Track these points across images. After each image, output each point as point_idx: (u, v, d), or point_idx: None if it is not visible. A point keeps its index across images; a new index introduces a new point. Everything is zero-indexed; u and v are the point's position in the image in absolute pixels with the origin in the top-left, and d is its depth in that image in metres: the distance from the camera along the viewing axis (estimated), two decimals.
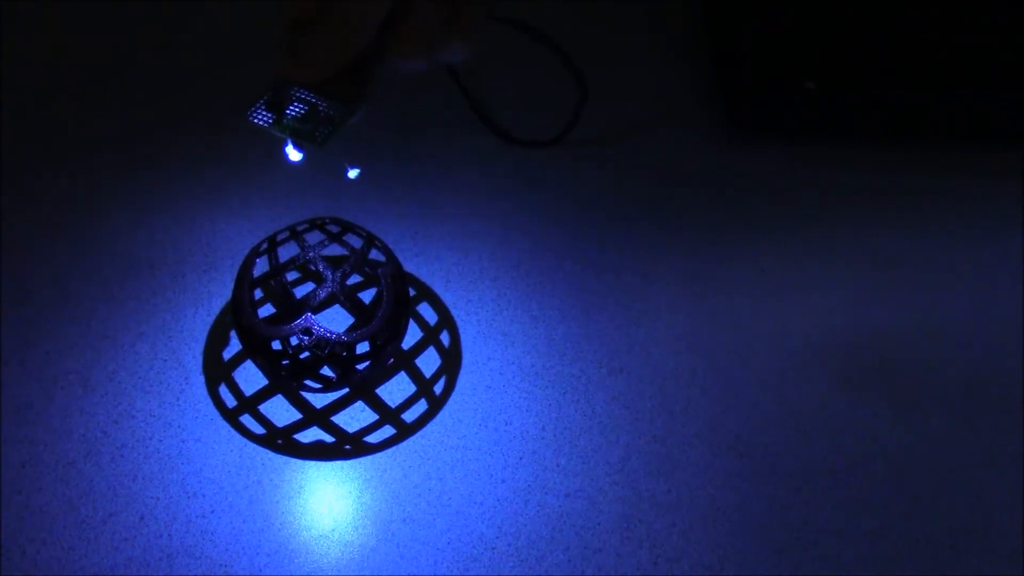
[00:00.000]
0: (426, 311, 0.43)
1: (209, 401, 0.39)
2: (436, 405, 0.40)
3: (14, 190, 0.46)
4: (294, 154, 0.35)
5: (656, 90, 0.53)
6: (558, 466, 0.39)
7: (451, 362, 0.41)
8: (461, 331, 0.42)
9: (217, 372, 0.40)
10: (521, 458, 0.39)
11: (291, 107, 0.33)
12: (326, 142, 0.33)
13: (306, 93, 0.34)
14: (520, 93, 0.52)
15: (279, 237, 0.40)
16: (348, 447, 0.39)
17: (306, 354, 0.37)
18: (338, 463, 0.38)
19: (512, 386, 0.41)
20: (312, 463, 0.38)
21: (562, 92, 0.50)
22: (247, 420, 0.39)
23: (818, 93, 0.49)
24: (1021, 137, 0.52)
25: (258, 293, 0.42)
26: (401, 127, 0.50)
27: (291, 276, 0.43)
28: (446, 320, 0.43)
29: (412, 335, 0.42)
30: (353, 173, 0.38)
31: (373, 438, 0.39)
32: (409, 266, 0.44)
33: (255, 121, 0.33)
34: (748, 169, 0.50)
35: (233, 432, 0.39)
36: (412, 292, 0.43)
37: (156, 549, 0.35)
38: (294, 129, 0.33)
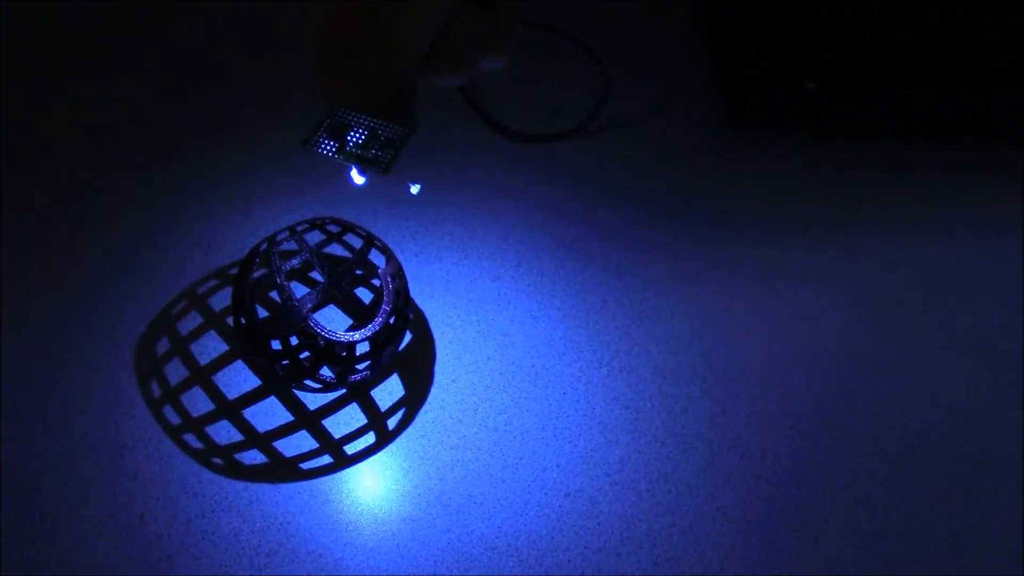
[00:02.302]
0: (426, 311, 0.43)
1: (208, 401, 0.39)
2: (435, 405, 0.40)
3: (14, 190, 0.46)
4: (358, 179, 0.35)
5: (656, 90, 0.53)
6: (558, 466, 0.39)
7: (450, 363, 0.41)
8: (461, 331, 0.42)
9: (217, 372, 0.40)
10: (521, 458, 0.39)
11: (351, 133, 0.34)
12: (391, 166, 0.33)
13: (364, 117, 0.34)
14: (524, 90, 0.52)
15: (279, 237, 0.40)
16: (344, 450, 0.39)
17: (306, 354, 0.37)
18: (338, 462, 0.38)
19: (512, 386, 0.41)
20: (311, 463, 0.38)
21: (565, 89, 0.50)
22: (236, 423, 0.39)
23: (818, 93, 0.49)
24: (1021, 137, 0.52)
25: (258, 293, 0.42)
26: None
27: (291, 276, 0.43)
28: (446, 320, 0.43)
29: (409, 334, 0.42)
30: (415, 189, 0.39)
31: (367, 441, 0.39)
32: (409, 266, 0.44)
33: (321, 151, 0.33)
34: (748, 169, 0.50)
35: (233, 431, 0.39)
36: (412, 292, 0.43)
37: (156, 549, 0.35)
38: (359, 156, 0.33)
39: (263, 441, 0.38)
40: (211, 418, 0.39)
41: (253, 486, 0.37)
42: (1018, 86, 0.50)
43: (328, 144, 0.34)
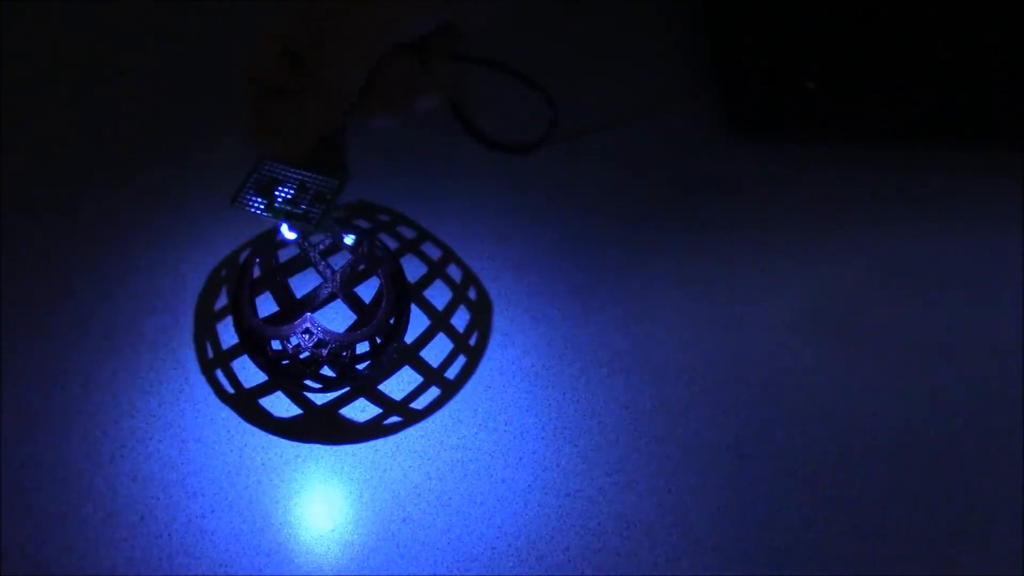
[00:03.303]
0: (426, 311, 0.43)
1: (209, 401, 0.39)
2: (436, 404, 0.40)
3: (14, 190, 0.46)
4: (289, 234, 0.34)
5: (656, 90, 0.53)
6: (558, 466, 0.39)
7: (449, 362, 0.41)
8: (460, 331, 0.42)
9: (217, 372, 0.40)
10: (521, 458, 0.39)
11: (280, 189, 0.33)
12: (322, 221, 0.32)
13: (292, 170, 0.33)
14: (509, 95, 0.52)
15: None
16: (353, 437, 0.39)
17: (306, 354, 0.37)
18: (338, 462, 0.38)
19: (512, 386, 0.41)
20: (312, 463, 0.38)
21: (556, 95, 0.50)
22: (248, 412, 0.39)
23: (818, 93, 0.49)
24: (1021, 137, 0.52)
25: (258, 293, 0.42)
26: (399, 128, 0.50)
27: (291, 275, 0.43)
28: (446, 320, 0.43)
29: (413, 335, 0.42)
30: (349, 239, 0.38)
31: (375, 428, 0.39)
32: (409, 266, 0.44)
33: (248, 209, 0.32)
34: (748, 169, 0.50)
35: (233, 432, 0.39)
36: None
37: (156, 549, 0.35)
38: (288, 213, 0.32)
39: (264, 441, 0.38)
40: (212, 418, 0.39)
41: (254, 485, 0.37)
42: (1018, 86, 0.50)
43: (256, 201, 0.32)
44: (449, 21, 0.32)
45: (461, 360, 0.41)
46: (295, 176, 0.33)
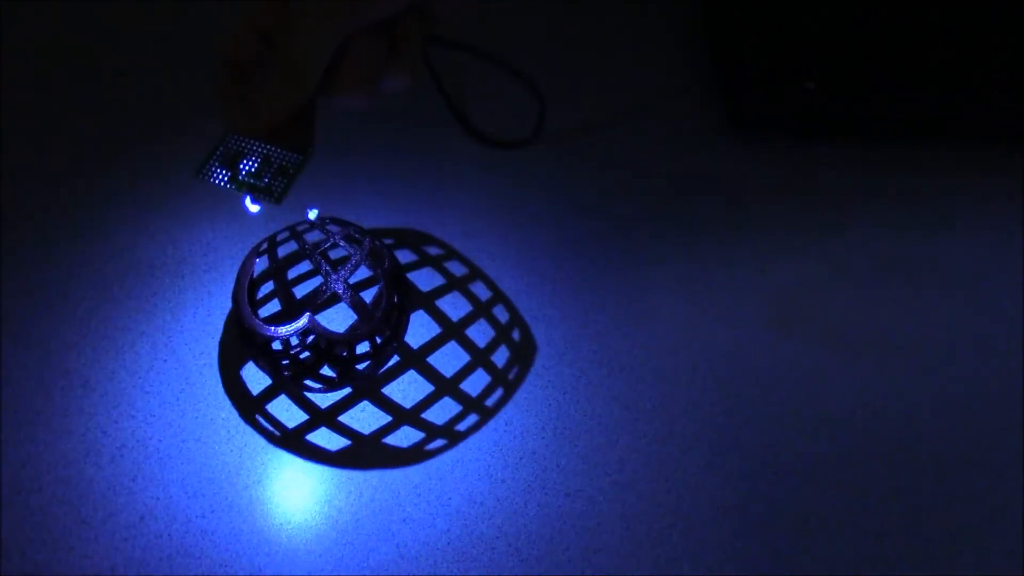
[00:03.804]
0: (426, 311, 0.43)
1: (208, 401, 0.39)
2: (432, 404, 0.40)
3: (14, 190, 0.46)
4: (253, 207, 0.35)
5: (656, 89, 0.53)
6: (558, 466, 0.39)
7: (450, 362, 0.41)
8: (460, 332, 0.42)
9: (218, 372, 0.40)
10: (521, 458, 0.39)
11: (244, 162, 0.33)
12: (284, 195, 0.33)
13: (257, 144, 0.33)
14: (506, 94, 0.52)
15: (279, 237, 0.40)
16: (361, 448, 0.39)
17: (306, 354, 0.37)
18: (338, 463, 0.38)
19: (512, 386, 0.41)
20: (311, 463, 0.38)
21: (552, 94, 0.50)
22: (238, 422, 0.39)
23: (818, 93, 0.49)
24: (1021, 137, 0.52)
25: (258, 293, 0.42)
26: (398, 128, 0.50)
27: (291, 275, 0.43)
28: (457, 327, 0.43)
29: (413, 336, 0.42)
30: (312, 214, 0.39)
31: (386, 439, 0.39)
32: (408, 266, 0.44)
33: (211, 181, 0.33)
34: (748, 169, 0.50)
35: (233, 432, 0.39)
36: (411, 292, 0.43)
37: (156, 549, 0.35)
38: (251, 186, 0.33)
39: (264, 441, 0.38)
40: (212, 418, 0.39)
41: (254, 485, 0.37)
42: (1018, 86, 0.50)
43: (220, 173, 0.33)
44: (420, 4, 0.33)
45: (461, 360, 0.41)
46: (260, 150, 0.33)
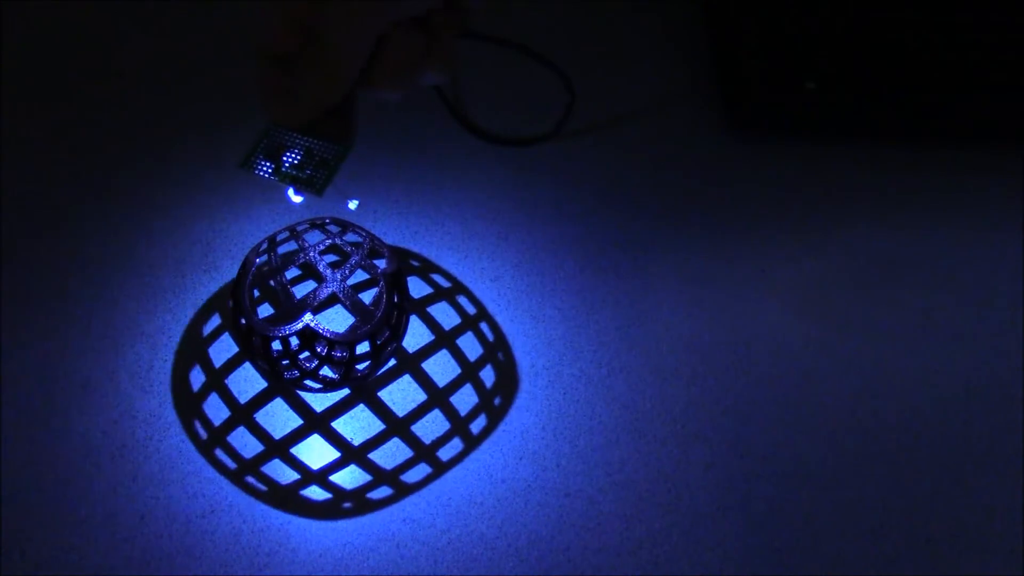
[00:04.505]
0: (426, 311, 0.43)
1: (208, 401, 0.39)
2: (431, 404, 0.40)
3: (14, 190, 0.46)
4: (296, 198, 0.35)
5: (656, 90, 0.53)
6: (558, 466, 0.39)
7: (449, 364, 0.41)
8: (459, 332, 0.42)
9: (218, 372, 0.40)
10: (521, 458, 0.39)
11: (287, 154, 0.34)
12: (325, 187, 0.34)
13: (299, 136, 0.34)
14: (512, 92, 0.52)
15: (279, 237, 0.40)
16: (351, 459, 0.39)
17: (306, 354, 0.37)
18: (337, 462, 0.38)
19: (512, 386, 0.41)
20: (311, 464, 0.38)
21: (557, 88, 0.50)
22: (241, 423, 0.39)
23: (818, 93, 0.49)
24: (1021, 137, 0.52)
25: (257, 293, 0.42)
26: (398, 128, 0.50)
27: (291, 275, 0.43)
28: (446, 321, 0.43)
29: (414, 336, 0.42)
30: (353, 204, 0.39)
31: (374, 446, 0.39)
32: (408, 269, 0.44)
33: (257, 172, 0.33)
34: (748, 169, 0.50)
35: (235, 433, 0.39)
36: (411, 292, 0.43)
37: (156, 549, 0.35)
38: (294, 177, 0.34)
39: (267, 441, 0.38)
40: (213, 418, 0.39)
41: (253, 486, 0.37)
42: (1018, 86, 0.50)
43: (264, 165, 0.33)
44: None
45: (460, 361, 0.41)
46: (302, 142, 0.34)
